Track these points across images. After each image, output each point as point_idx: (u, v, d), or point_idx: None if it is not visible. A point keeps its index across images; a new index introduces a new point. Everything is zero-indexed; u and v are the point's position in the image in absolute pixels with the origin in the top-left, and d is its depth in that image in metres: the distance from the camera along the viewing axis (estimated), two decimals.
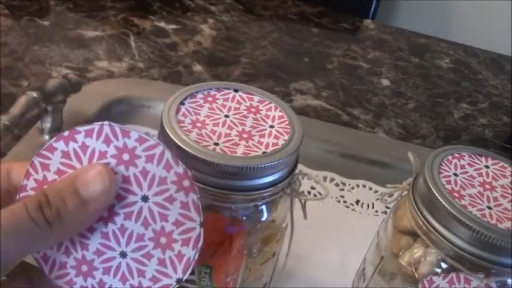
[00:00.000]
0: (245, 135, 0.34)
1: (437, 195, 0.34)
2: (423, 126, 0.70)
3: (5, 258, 0.23)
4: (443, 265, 0.35)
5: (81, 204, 0.25)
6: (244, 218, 0.35)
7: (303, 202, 0.38)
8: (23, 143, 0.53)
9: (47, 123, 0.52)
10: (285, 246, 0.40)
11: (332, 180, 0.57)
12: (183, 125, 0.34)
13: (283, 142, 0.34)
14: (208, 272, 0.35)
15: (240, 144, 0.34)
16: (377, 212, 0.55)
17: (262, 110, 0.37)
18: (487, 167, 0.38)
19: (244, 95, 0.38)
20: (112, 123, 0.26)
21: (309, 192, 0.55)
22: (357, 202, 0.56)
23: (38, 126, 0.53)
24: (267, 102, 0.38)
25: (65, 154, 0.26)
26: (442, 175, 0.36)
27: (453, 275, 0.34)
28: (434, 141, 0.68)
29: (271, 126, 0.36)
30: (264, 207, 0.36)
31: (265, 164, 0.32)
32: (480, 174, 0.37)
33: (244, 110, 0.37)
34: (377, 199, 0.56)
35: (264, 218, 0.36)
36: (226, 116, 0.36)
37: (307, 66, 0.79)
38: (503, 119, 0.75)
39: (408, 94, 0.76)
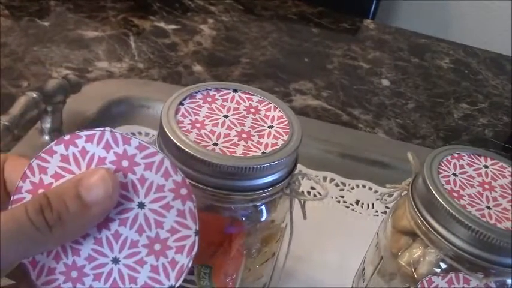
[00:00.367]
0: (244, 136, 0.34)
1: (436, 195, 0.34)
2: (423, 126, 0.70)
3: (4, 262, 0.23)
4: (443, 265, 0.35)
5: (83, 208, 0.24)
6: (243, 218, 0.35)
7: (302, 202, 0.38)
8: (22, 144, 0.53)
9: (47, 124, 0.52)
10: (285, 246, 0.40)
11: (332, 180, 0.57)
12: (182, 125, 0.34)
13: (283, 142, 0.34)
14: (208, 272, 0.35)
15: (239, 144, 0.34)
16: (377, 212, 0.55)
17: (261, 110, 0.37)
18: (486, 167, 0.38)
19: (243, 95, 0.38)
20: (114, 130, 0.26)
21: (308, 193, 0.55)
22: (357, 202, 0.56)
23: (37, 126, 0.53)
24: (266, 102, 0.38)
25: (64, 158, 0.26)
26: (441, 175, 0.36)
27: (452, 275, 0.34)
28: (434, 141, 0.68)
29: (271, 127, 0.36)
30: (263, 207, 0.36)
31: (264, 164, 0.32)
32: (479, 174, 0.37)
33: (243, 110, 0.37)
34: (377, 199, 0.56)
35: (263, 218, 0.36)
36: (226, 116, 0.36)
37: (307, 66, 0.79)
38: (503, 119, 0.75)
39: (408, 94, 0.76)
